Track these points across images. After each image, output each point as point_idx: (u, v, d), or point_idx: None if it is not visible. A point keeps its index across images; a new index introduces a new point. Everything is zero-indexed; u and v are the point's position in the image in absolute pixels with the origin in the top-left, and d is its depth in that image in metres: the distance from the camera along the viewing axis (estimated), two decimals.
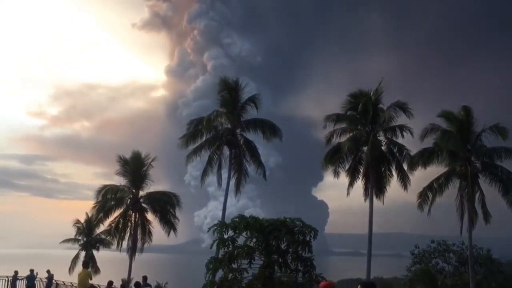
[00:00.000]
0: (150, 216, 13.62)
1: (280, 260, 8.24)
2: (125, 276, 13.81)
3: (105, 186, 13.45)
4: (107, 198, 13.25)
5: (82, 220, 16.83)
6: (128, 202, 13.37)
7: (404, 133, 11.65)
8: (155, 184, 14.18)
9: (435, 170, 11.59)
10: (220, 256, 8.51)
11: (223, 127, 13.03)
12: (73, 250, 17.33)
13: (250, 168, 13.17)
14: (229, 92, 12.97)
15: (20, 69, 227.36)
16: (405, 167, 11.76)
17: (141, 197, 13.55)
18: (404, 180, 11.86)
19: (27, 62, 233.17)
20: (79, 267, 13.76)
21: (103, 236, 15.73)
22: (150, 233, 13.64)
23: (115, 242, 13.40)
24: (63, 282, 14.11)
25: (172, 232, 13.53)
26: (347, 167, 12.11)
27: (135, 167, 13.38)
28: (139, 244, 13.46)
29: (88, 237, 16.70)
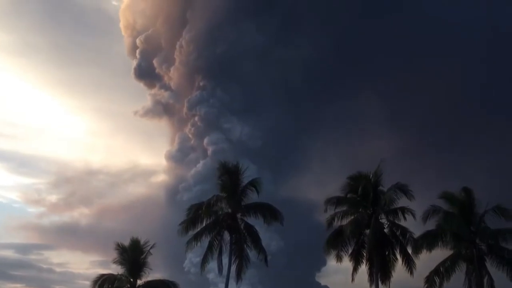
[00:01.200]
0: None
1: None
2: None
3: (101, 275, 13.06)
4: None
5: None
6: None
7: (406, 215, 11.58)
8: (154, 271, 13.76)
9: (440, 253, 11.39)
10: None
11: (223, 212, 12.89)
12: None
13: (251, 253, 12.90)
14: (229, 176, 12.98)
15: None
16: (409, 250, 11.58)
17: (139, 286, 13.13)
18: (409, 264, 11.59)
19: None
20: None
21: None
22: None
23: None
24: None
25: None
26: (350, 251, 11.89)
27: (133, 255, 13.05)
28: None
29: None
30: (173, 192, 29.51)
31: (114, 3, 45.60)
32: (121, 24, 33.24)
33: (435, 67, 26.27)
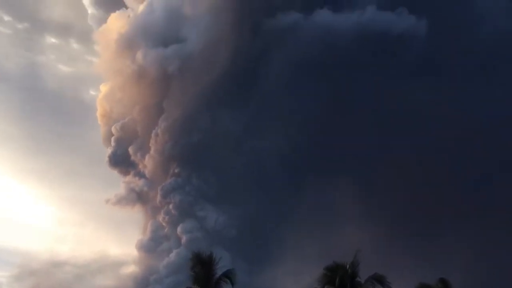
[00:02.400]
0: None
1: None
2: None
3: None
4: None
5: None
6: None
7: None
8: None
9: None
10: None
11: None
12: None
13: None
14: (202, 267, 12.57)
15: None
16: None
17: None
18: None
19: None
20: None
21: None
22: None
23: None
24: None
25: None
26: None
27: None
28: None
29: None
30: (143, 284, 28.36)
31: (92, 92, 46.44)
32: (98, 113, 33.55)
33: (410, 156, 26.79)
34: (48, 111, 47.79)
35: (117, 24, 30.74)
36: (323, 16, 25.08)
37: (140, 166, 30.86)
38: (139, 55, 28.87)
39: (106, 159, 32.48)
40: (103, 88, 33.27)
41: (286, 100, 26.86)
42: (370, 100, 26.15)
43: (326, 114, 25.92)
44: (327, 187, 27.89)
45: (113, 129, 31.43)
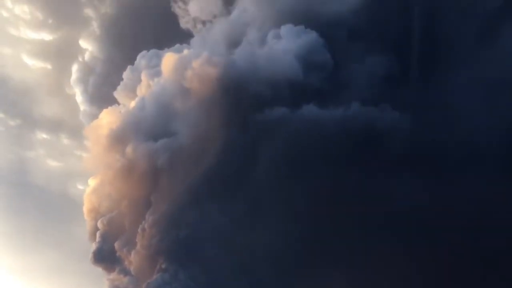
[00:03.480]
0: None
1: None
2: None
3: None
4: None
5: None
6: None
7: None
8: None
9: None
10: None
11: None
12: None
13: None
14: None
15: None
16: None
17: None
18: None
19: None
20: None
21: None
22: None
23: None
24: None
25: None
26: None
27: None
28: None
29: None
30: None
31: (80, 187, 46.32)
32: (85, 208, 33.14)
33: (398, 249, 26.50)
34: (34, 207, 47.37)
35: (108, 119, 31.43)
36: (310, 111, 25.91)
37: (126, 263, 29.97)
38: (129, 149, 29.21)
39: (91, 255, 31.63)
40: (91, 183, 33.20)
41: (274, 194, 26.91)
42: (357, 194, 26.30)
43: (314, 207, 25.89)
44: (319, 280, 27.18)
45: (99, 224, 30.92)
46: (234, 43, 29.28)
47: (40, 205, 48.47)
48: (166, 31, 34.48)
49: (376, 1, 26.79)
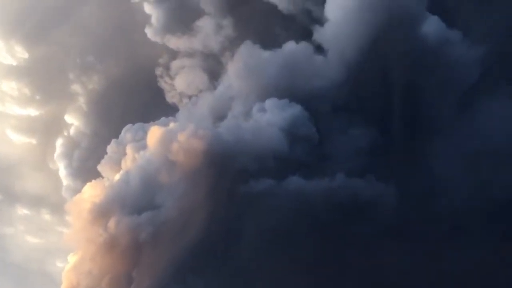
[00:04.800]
0: None
1: None
2: None
3: None
4: None
5: None
6: None
7: None
8: None
9: None
10: None
11: None
12: None
13: None
14: None
15: None
16: None
17: None
18: None
19: None
20: None
21: None
22: None
23: None
24: None
25: None
26: None
27: None
28: None
29: None
30: None
31: (59, 264, 44.84)
32: (63, 286, 31.92)
33: None
34: (11, 286, 45.59)
35: (91, 193, 31.05)
36: (295, 182, 26.03)
37: None
38: (112, 223, 28.67)
39: None
40: (71, 259, 32.19)
41: (260, 266, 26.40)
42: (343, 265, 25.96)
43: (300, 280, 25.39)
44: None
45: None
46: (219, 116, 29.78)
47: (18, 284, 46.67)
48: (153, 105, 35.07)
49: (358, 75, 27.65)
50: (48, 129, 41.71)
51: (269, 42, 30.28)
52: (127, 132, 32.71)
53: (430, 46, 27.83)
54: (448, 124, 28.88)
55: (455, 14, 29.73)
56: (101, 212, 29.69)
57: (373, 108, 28.47)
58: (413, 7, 27.87)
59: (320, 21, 29.40)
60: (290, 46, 29.25)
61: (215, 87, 32.36)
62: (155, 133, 29.87)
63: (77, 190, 34.09)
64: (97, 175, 33.39)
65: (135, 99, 36.28)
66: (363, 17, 27.57)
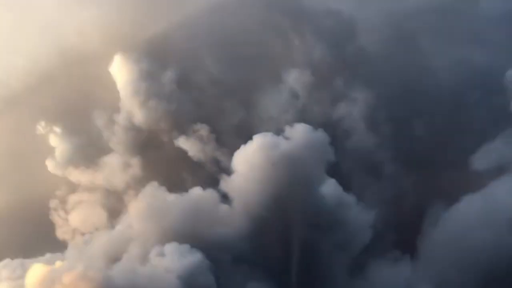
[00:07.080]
0: None
1: None
2: None
3: None
4: None
5: None
6: None
7: None
8: None
9: None
10: None
11: None
12: None
13: None
14: None
15: None
16: None
17: None
18: None
19: None
20: None
21: None
22: None
23: None
24: None
25: None
26: None
27: None
28: None
29: None
30: None
31: None
32: None
33: None
34: None
35: None
36: None
37: None
38: None
39: None
40: None
41: None
42: None
43: None
44: None
45: None
46: (114, 258, 28.06)
47: None
48: (39, 240, 32.36)
49: (261, 228, 28.19)
50: None
51: (176, 186, 30.31)
52: (3, 269, 29.47)
53: (328, 206, 29.49)
54: (342, 281, 29.75)
55: (349, 179, 32.40)
56: None
57: (272, 263, 28.69)
58: (314, 169, 29.84)
59: (227, 171, 30.32)
60: (196, 191, 29.43)
61: (113, 226, 30.95)
62: (36, 272, 27.05)
63: None
64: None
65: (19, 231, 33.35)
66: (267, 174, 28.91)
